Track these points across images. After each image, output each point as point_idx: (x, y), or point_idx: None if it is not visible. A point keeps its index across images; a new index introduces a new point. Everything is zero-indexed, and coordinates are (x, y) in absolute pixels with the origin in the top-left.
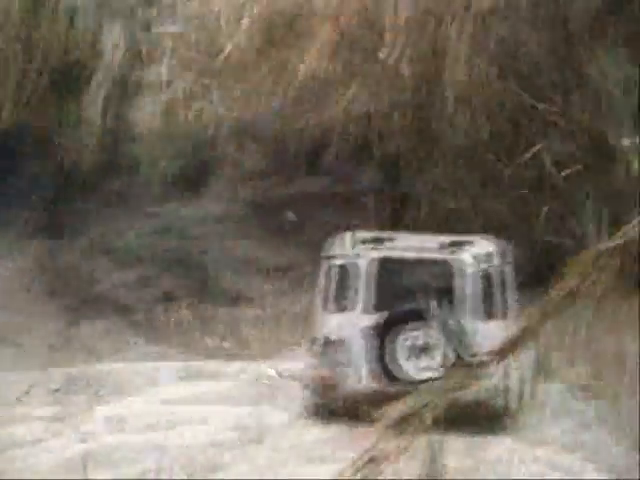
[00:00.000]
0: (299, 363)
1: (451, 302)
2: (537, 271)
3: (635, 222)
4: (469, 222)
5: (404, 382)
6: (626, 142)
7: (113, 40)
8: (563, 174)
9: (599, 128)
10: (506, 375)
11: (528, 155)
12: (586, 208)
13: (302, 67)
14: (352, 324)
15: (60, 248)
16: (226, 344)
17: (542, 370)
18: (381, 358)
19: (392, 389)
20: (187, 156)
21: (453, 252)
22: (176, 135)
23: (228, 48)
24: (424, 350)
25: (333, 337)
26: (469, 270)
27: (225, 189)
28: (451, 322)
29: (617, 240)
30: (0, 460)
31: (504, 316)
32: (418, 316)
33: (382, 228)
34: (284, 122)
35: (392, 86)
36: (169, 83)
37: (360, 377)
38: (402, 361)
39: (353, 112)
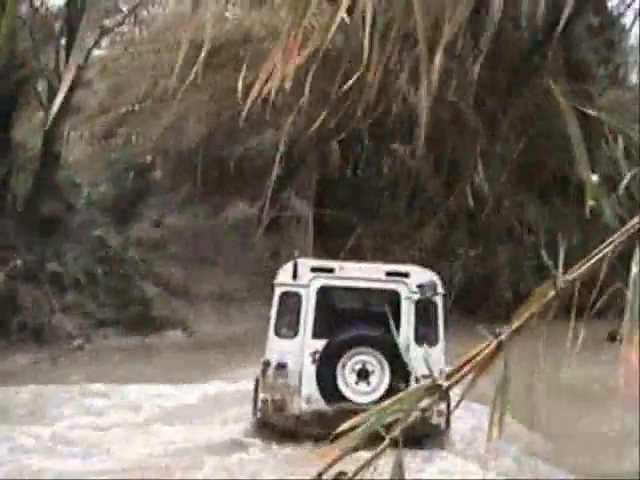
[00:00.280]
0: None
1: (396, 328)
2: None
3: (605, 246)
4: (404, 250)
5: (345, 404)
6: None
7: (47, 63)
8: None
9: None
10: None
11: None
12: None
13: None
14: (301, 349)
15: None
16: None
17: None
18: (325, 381)
19: (334, 411)
20: (121, 182)
21: (398, 281)
22: (110, 161)
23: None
24: (363, 374)
25: (284, 361)
26: (414, 297)
27: (156, 216)
28: (396, 347)
29: (581, 270)
30: None
31: (435, 342)
32: (361, 342)
33: (316, 254)
34: (215, 149)
35: (335, 110)
36: (103, 108)
37: (306, 399)
38: (342, 385)
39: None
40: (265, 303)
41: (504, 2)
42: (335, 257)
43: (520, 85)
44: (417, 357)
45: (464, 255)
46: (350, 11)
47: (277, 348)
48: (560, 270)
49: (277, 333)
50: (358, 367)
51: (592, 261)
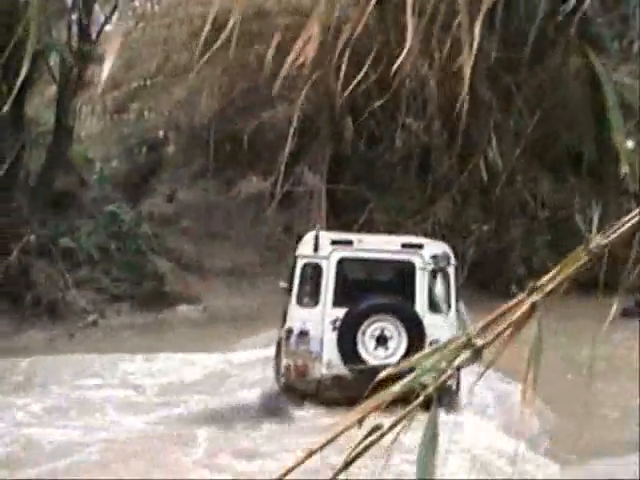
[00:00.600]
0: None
1: (411, 297)
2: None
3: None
4: (417, 224)
5: (364, 369)
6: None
7: (59, 37)
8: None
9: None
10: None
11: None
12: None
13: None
14: (321, 317)
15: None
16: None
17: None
18: (346, 347)
19: (354, 375)
20: (133, 157)
21: (413, 253)
22: (122, 136)
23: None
24: (382, 340)
25: (305, 328)
26: (428, 268)
27: (169, 190)
28: (413, 314)
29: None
30: None
31: (448, 309)
32: (380, 310)
33: (329, 229)
34: (228, 123)
35: (344, 83)
36: (115, 83)
37: (327, 364)
38: (362, 350)
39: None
40: (278, 278)
41: None
42: (348, 232)
43: (534, 60)
44: (431, 323)
45: (477, 230)
46: None
47: (299, 316)
48: (594, 234)
49: (299, 302)
50: (377, 333)
51: (624, 228)
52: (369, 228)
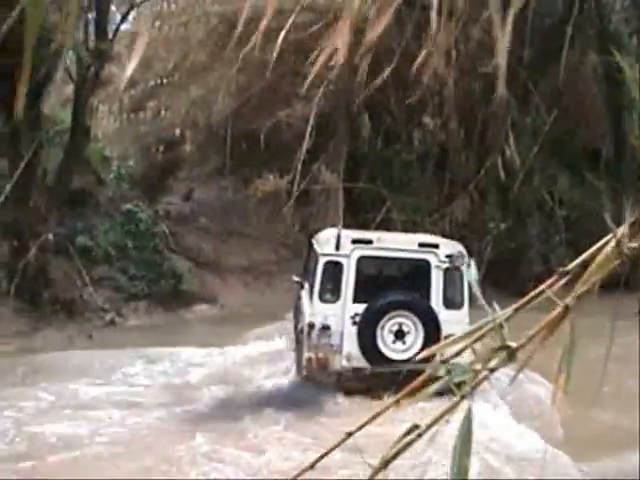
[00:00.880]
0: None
1: (427, 294)
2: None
3: None
4: (434, 223)
5: (382, 362)
6: None
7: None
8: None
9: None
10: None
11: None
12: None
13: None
14: (342, 312)
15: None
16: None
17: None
18: (366, 341)
19: (372, 368)
20: (150, 155)
21: (429, 252)
22: (139, 135)
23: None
24: (400, 335)
25: (327, 323)
26: (443, 266)
27: (186, 189)
28: (429, 310)
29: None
30: None
31: (461, 306)
32: (398, 306)
33: (347, 227)
34: (245, 122)
35: (359, 85)
36: (132, 82)
37: (347, 357)
38: (381, 344)
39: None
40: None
41: None
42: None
43: (552, 57)
44: (446, 319)
45: (495, 229)
46: None
47: (320, 311)
48: (626, 235)
49: (321, 298)
50: (395, 328)
51: None
52: (386, 227)
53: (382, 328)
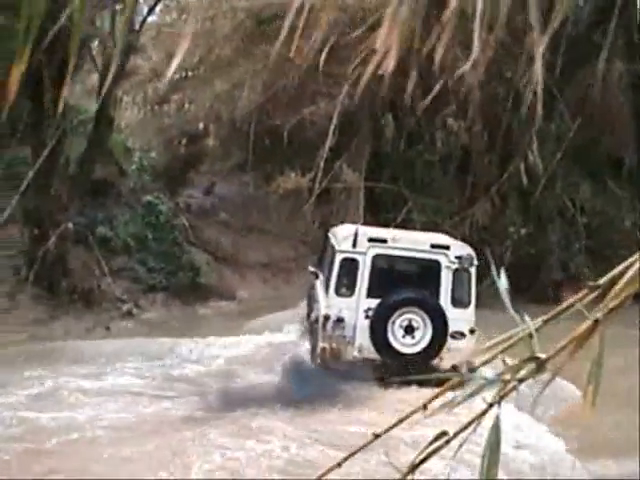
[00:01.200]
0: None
1: (436, 292)
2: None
3: None
4: (455, 226)
5: (392, 355)
6: None
7: (102, 27)
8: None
9: None
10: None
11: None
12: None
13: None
14: (356, 306)
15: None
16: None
17: None
18: (378, 335)
19: (382, 359)
20: (173, 148)
21: (440, 253)
22: (162, 127)
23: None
24: (409, 330)
25: (341, 316)
26: (452, 267)
27: (207, 183)
28: (438, 307)
29: None
30: None
31: (468, 304)
32: (409, 303)
33: (367, 225)
34: (268, 118)
35: (385, 85)
36: (157, 74)
37: (359, 348)
38: (391, 338)
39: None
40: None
41: None
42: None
43: (579, 64)
44: (453, 317)
45: (515, 233)
46: None
47: (336, 305)
48: None
49: (336, 292)
50: (405, 323)
51: None
52: (406, 227)
53: (393, 323)
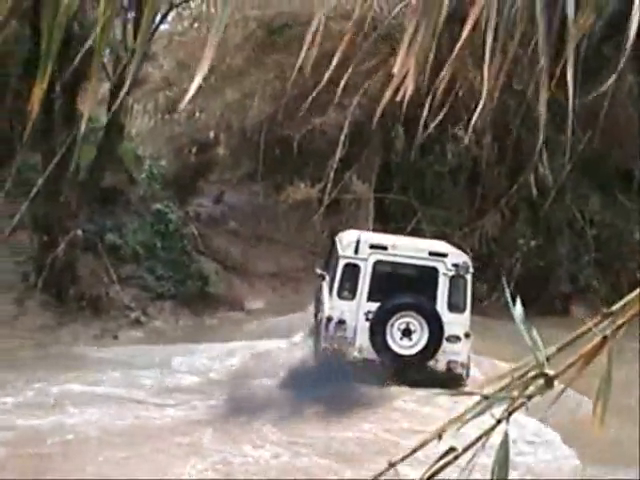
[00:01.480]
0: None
1: (433, 297)
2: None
3: None
4: (464, 237)
5: (390, 356)
6: None
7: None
8: None
9: None
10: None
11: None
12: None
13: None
14: (357, 309)
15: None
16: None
17: None
18: (377, 336)
19: (381, 360)
20: (183, 156)
21: (438, 260)
22: (173, 135)
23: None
24: (407, 333)
25: (343, 318)
26: (449, 274)
27: (217, 192)
28: (434, 312)
29: None
30: None
31: (463, 310)
32: (407, 307)
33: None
34: (278, 128)
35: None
36: (168, 82)
37: (359, 349)
38: (390, 340)
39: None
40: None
41: None
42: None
43: (589, 76)
44: (449, 321)
45: (524, 245)
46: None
47: (338, 307)
48: None
49: (339, 295)
50: (403, 327)
51: None
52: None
53: (392, 325)
